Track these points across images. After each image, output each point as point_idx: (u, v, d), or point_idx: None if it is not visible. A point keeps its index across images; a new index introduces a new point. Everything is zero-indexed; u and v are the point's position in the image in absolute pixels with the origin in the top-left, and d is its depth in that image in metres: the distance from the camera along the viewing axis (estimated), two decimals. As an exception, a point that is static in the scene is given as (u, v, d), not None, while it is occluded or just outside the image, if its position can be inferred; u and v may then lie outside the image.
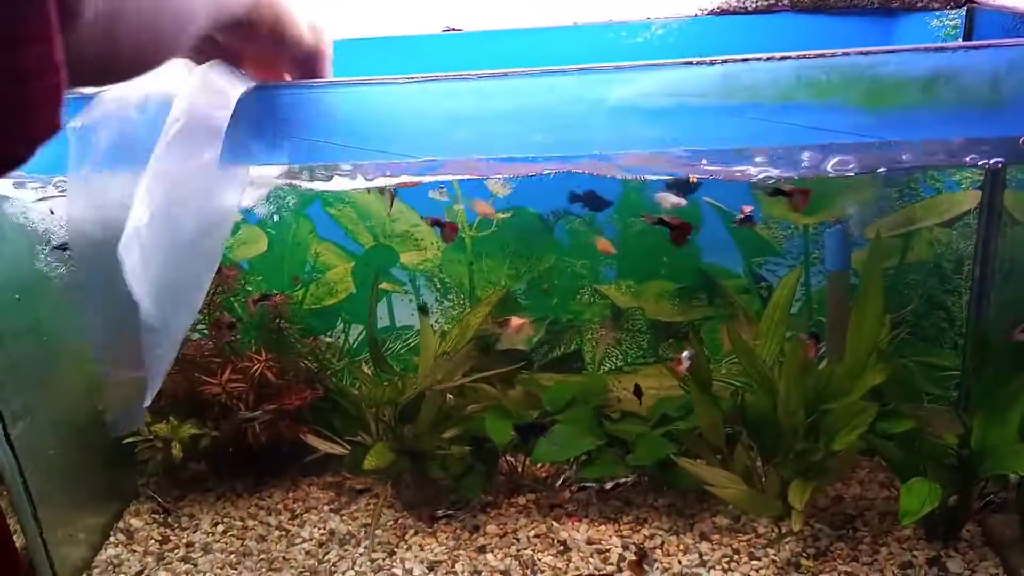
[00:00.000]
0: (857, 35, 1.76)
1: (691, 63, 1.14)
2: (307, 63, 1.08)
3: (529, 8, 1.86)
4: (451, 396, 1.82)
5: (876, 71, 1.12)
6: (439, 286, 1.93)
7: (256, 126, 1.22)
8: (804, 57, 1.13)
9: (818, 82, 1.13)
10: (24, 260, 1.58)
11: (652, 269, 1.86)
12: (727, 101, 1.16)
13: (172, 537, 1.85)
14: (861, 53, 1.11)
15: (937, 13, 1.72)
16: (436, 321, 1.94)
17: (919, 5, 1.72)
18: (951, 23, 1.71)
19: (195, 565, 1.75)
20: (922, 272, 1.73)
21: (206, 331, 1.86)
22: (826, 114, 1.15)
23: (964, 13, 1.69)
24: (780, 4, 1.78)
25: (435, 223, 1.78)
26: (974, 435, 1.48)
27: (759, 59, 1.13)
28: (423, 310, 1.87)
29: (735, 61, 1.14)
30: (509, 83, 1.19)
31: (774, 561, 1.63)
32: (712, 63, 1.14)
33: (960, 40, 1.70)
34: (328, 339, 1.95)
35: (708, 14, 1.80)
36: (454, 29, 1.85)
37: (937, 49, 1.10)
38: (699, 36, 1.79)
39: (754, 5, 1.79)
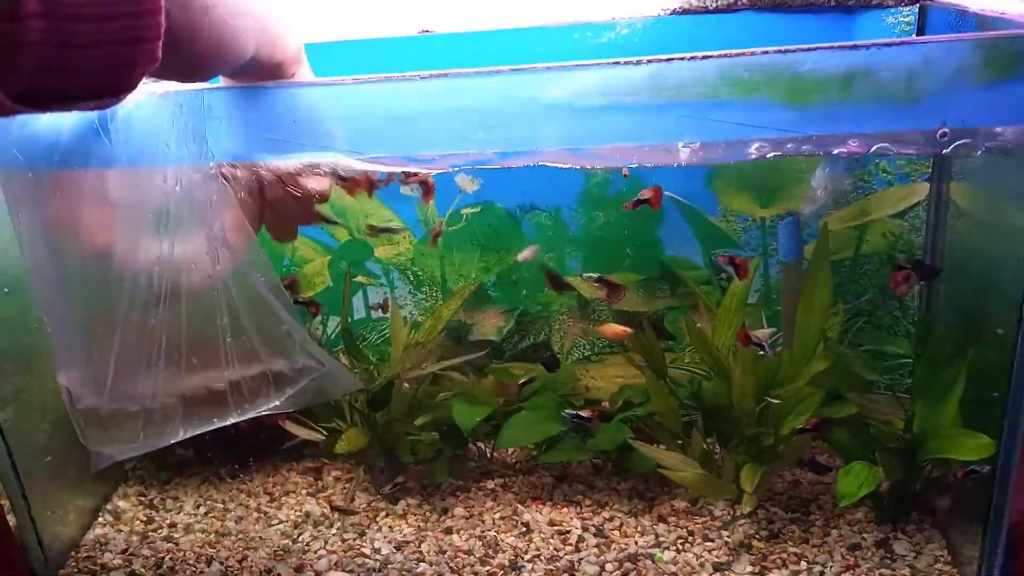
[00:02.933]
0: (816, 32, 1.81)
1: (619, 63, 1.21)
2: None
3: (503, 10, 1.91)
4: (408, 384, 1.87)
5: (795, 69, 1.17)
6: (412, 279, 2.00)
7: (227, 124, 1.30)
8: (726, 56, 1.19)
9: (741, 80, 1.19)
10: (11, 252, 1.67)
11: (616, 261, 1.92)
12: (655, 99, 1.21)
13: (156, 518, 1.94)
14: (780, 51, 1.17)
15: (892, 10, 1.76)
16: (410, 312, 2.01)
17: (874, 3, 1.76)
18: (905, 20, 1.75)
19: (176, 544, 1.84)
20: (876, 263, 1.77)
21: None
22: (751, 110, 1.20)
23: (917, 10, 1.73)
24: (740, 3, 1.83)
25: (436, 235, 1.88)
26: (916, 420, 1.53)
27: (683, 58, 1.19)
28: (381, 307, 1.94)
29: (660, 61, 1.20)
30: (449, 83, 1.26)
31: (727, 543, 1.68)
32: (639, 63, 1.20)
33: (914, 35, 1.74)
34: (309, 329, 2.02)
35: (670, 14, 1.85)
36: (429, 31, 1.91)
37: (852, 47, 1.15)
38: (662, 35, 1.85)
39: (715, 4, 1.84)
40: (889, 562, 1.60)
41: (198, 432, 1.42)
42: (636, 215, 1.88)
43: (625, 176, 1.77)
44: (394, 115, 1.27)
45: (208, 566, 1.77)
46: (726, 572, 1.61)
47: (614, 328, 1.84)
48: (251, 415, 1.43)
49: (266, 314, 1.39)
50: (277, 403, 1.45)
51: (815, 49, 1.16)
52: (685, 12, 1.84)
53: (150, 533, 1.89)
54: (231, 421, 1.42)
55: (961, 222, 1.58)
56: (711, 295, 1.86)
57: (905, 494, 1.63)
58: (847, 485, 1.47)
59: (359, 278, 2.00)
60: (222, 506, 1.96)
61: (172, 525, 1.91)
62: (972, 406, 1.49)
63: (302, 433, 1.95)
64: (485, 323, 2.01)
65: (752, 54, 1.17)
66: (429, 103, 1.26)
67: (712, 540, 1.69)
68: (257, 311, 1.39)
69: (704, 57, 1.18)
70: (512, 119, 1.25)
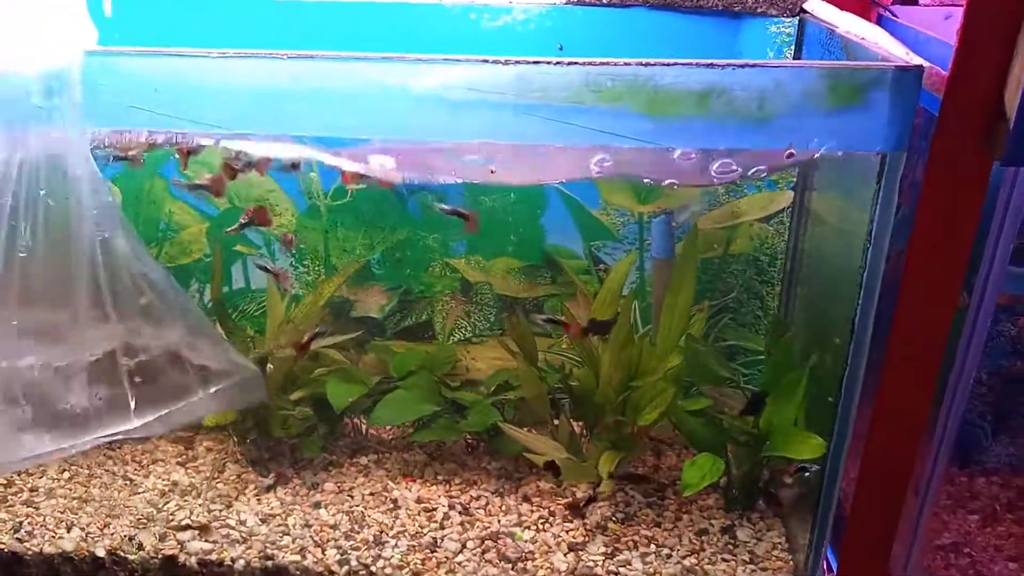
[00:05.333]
0: (704, 35, 1.85)
1: (487, 60, 1.22)
2: None
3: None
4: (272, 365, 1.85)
5: (656, 82, 1.21)
6: (294, 252, 1.98)
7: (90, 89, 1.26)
8: (591, 64, 1.22)
9: (604, 88, 1.22)
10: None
11: (500, 246, 1.95)
12: (522, 100, 1.24)
13: (17, 481, 1.89)
14: (642, 64, 1.20)
15: (775, 20, 1.82)
16: (291, 286, 2.00)
17: (759, 11, 1.81)
18: (786, 30, 1.81)
19: (36, 508, 1.80)
20: (742, 263, 1.86)
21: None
22: (612, 118, 1.24)
23: (797, 22, 1.80)
24: (634, 0, 1.86)
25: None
26: (762, 417, 1.62)
27: (549, 63, 1.21)
28: (264, 269, 1.91)
29: (528, 63, 1.22)
30: (317, 66, 1.25)
31: (585, 523, 1.76)
32: (507, 63, 1.22)
33: (792, 48, 1.81)
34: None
35: (567, 3, 1.86)
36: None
37: (709, 65, 1.20)
38: (557, 24, 1.86)
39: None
40: (732, 548, 1.70)
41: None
42: (522, 203, 1.91)
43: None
44: (260, 93, 1.25)
45: (68, 532, 1.74)
46: (580, 552, 1.68)
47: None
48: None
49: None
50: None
51: (675, 64, 1.20)
52: (581, 3, 1.86)
53: (9, 496, 1.84)
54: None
55: (817, 230, 1.67)
56: (589, 285, 1.91)
57: (752, 485, 1.74)
58: (691, 475, 1.55)
59: (238, 247, 1.97)
60: (87, 472, 1.92)
61: (33, 489, 1.86)
62: (814, 407, 1.59)
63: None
64: (368, 300, 2.01)
65: (615, 64, 1.20)
66: (296, 84, 1.25)
67: (571, 521, 1.76)
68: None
69: (570, 63, 1.21)
70: (381, 107, 1.26)
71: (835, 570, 1.57)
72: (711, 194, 1.82)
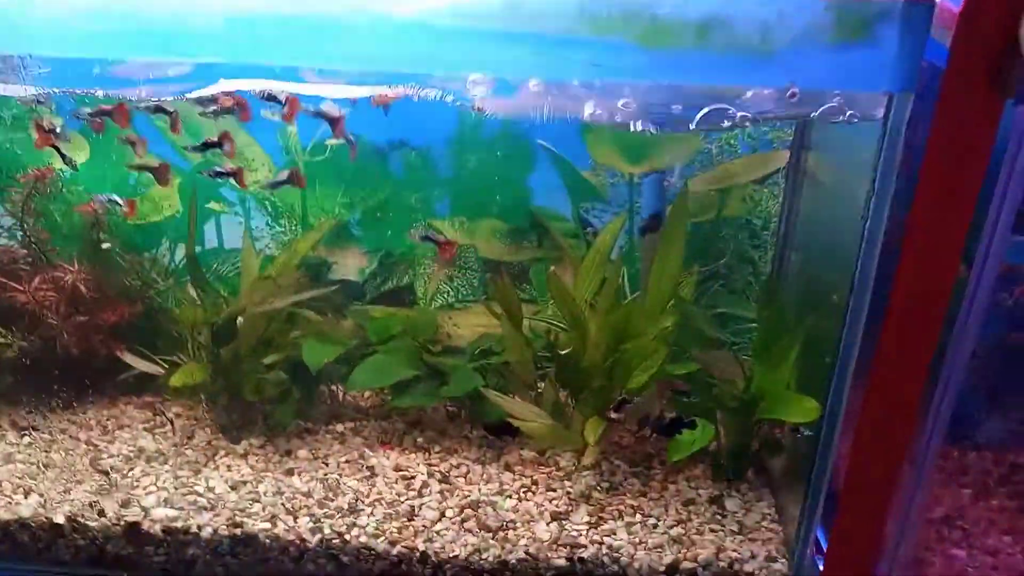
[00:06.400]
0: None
1: (474, -15, 1.15)
2: None
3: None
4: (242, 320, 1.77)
5: (654, 11, 1.15)
6: (270, 209, 1.90)
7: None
8: (585, -10, 1.14)
9: (599, 17, 1.15)
10: None
11: (485, 207, 1.88)
12: (511, 28, 1.17)
13: (-27, 447, 1.80)
14: (639, -10, 1.13)
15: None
16: (266, 246, 1.91)
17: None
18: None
19: (-8, 475, 1.71)
20: (735, 227, 1.80)
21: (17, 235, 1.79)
22: (606, 51, 1.17)
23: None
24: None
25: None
26: (754, 381, 1.56)
27: (541, -13, 1.14)
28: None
29: (518, -13, 1.14)
30: (292, -11, 1.17)
31: (568, 493, 1.69)
32: (495, -13, 1.14)
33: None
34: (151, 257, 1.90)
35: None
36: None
37: (709, -7, 1.13)
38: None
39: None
40: (720, 518, 1.64)
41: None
42: (509, 161, 1.85)
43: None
44: (232, 15, 1.18)
45: (26, 498, 1.65)
46: (563, 521, 1.62)
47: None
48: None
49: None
50: None
51: (674, -9, 1.13)
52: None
53: (-36, 462, 1.75)
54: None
55: (814, 191, 1.61)
56: (576, 249, 1.85)
57: (741, 453, 1.68)
58: (679, 440, 1.49)
59: (212, 205, 1.88)
60: (49, 436, 1.83)
61: (-10, 454, 1.77)
62: (807, 372, 1.53)
63: (140, 365, 1.84)
64: (346, 262, 1.93)
65: (611, -10, 1.14)
66: (273, 3, 1.17)
67: (555, 490, 1.70)
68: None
69: (564, -11, 1.14)
70: (360, 36, 1.18)
71: (824, 549, 1.51)
72: (704, 154, 1.76)
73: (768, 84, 1.19)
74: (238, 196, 1.89)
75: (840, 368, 1.38)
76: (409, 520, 1.62)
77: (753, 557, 1.55)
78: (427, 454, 1.80)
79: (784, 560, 1.55)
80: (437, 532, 1.59)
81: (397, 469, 1.75)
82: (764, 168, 1.73)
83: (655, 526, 1.62)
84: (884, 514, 1.46)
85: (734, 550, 1.56)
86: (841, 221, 1.41)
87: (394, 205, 1.89)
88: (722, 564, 1.54)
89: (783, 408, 1.48)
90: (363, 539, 1.57)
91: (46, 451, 1.79)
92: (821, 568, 1.48)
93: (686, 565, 1.53)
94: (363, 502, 1.66)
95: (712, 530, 1.61)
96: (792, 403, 1.46)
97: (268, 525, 1.59)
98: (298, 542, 1.57)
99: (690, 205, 1.67)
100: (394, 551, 1.55)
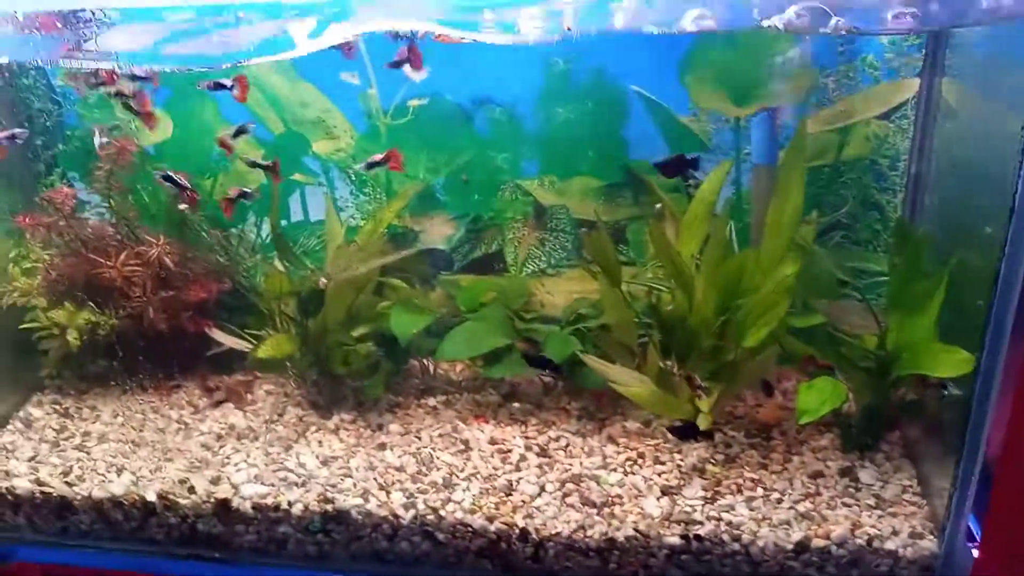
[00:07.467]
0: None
1: None
2: None
3: None
4: (324, 281, 1.70)
5: None
6: (354, 178, 1.83)
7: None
8: None
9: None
10: None
11: (577, 164, 1.76)
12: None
13: (70, 427, 1.79)
14: None
15: None
16: (350, 216, 1.85)
17: None
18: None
19: (88, 453, 1.70)
20: (858, 170, 1.62)
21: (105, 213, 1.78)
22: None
23: None
24: None
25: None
26: (889, 335, 1.38)
27: None
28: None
29: None
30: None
31: (679, 465, 1.55)
32: None
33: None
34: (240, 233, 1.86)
35: None
36: None
37: None
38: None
39: None
40: (853, 491, 1.47)
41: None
42: (601, 112, 1.72)
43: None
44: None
45: (119, 476, 1.62)
46: (675, 496, 1.47)
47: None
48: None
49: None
50: None
51: None
52: None
53: (62, 441, 1.74)
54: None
55: (953, 121, 1.42)
56: (678, 203, 1.70)
57: (875, 419, 1.50)
58: (808, 400, 1.33)
59: (296, 176, 1.83)
60: (141, 416, 1.81)
61: (86, 434, 1.76)
62: (952, 320, 1.34)
63: (228, 341, 1.80)
64: (432, 230, 1.85)
65: None
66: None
67: (664, 463, 1.56)
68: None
69: None
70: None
71: (979, 538, 1.31)
72: (820, 91, 1.58)
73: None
74: (322, 166, 1.83)
75: (998, 312, 1.18)
76: (507, 495, 1.51)
77: (895, 534, 1.37)
78: (523, 426, 1.69)
79: (932, 537, 1.37)
80: (537, 508, 1.48)
81: (492, 442, 1.65)
82: (889, 100, 1.54)
83: (780, 501, 1.45)
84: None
85: (872, 526, 1.39)
86: (990, 149, 1.23)
87: (480, 167, 1.79)
88: (859, 541, 1.36)
89: (928, 362, 1.29)
90: (459, 515, 1.47)
91: (138, 430, 1.77)
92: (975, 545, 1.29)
93: (817, 543, 1.37)
94: (458, 476, 1.56)
95: (845, 504, 1.44)
96: (939, 356, 1.27)
97: (360, 501, 1.51)
98: (391, 518, 1.48)
99: (807, 146, 1.50)
100: (492, 527, 1.45)
